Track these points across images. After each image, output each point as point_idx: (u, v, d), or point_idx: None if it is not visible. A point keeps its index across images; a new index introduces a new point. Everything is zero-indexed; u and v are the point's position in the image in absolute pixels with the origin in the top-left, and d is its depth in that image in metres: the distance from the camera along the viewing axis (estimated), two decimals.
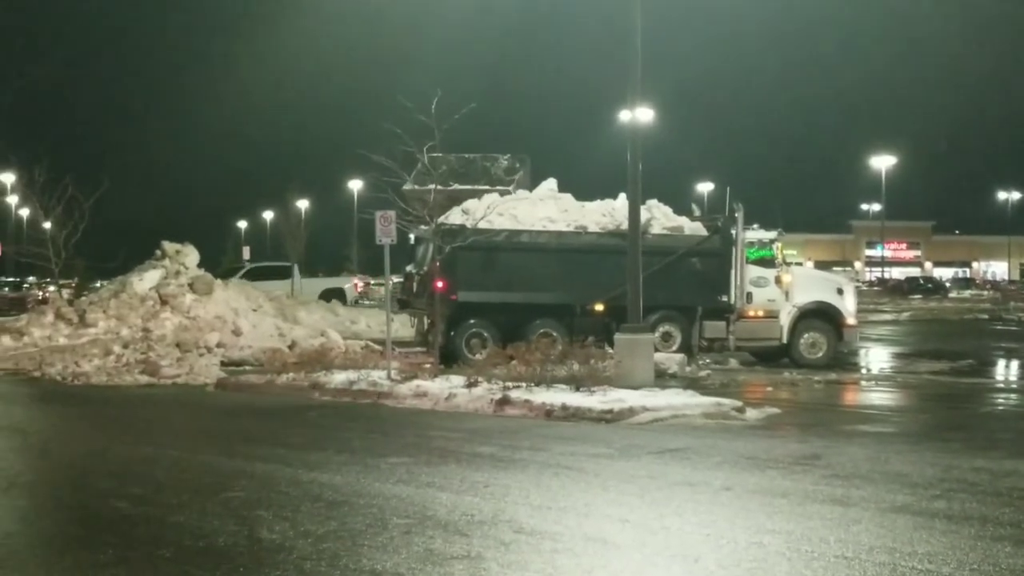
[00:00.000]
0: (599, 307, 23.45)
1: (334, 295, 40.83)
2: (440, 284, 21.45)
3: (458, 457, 11.70)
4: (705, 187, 74.50)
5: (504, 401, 15.86)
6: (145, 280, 27.42)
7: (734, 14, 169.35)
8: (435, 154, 21.59)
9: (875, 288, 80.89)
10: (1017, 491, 9.76)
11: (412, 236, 24.66)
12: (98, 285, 34.49)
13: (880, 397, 19.61)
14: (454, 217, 23.71)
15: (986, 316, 51.79)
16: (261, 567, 7.38)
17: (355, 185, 73.85)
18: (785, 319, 24.61)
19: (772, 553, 7.57)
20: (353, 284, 45.94)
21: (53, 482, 10.88)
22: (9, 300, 47.91)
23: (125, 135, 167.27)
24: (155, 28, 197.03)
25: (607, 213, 24.68)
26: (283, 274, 42.90)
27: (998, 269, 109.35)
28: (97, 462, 12.00)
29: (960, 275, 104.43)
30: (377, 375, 18.55)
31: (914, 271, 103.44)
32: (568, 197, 25.64)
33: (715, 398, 15.98)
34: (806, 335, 24.66)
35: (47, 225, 30.84)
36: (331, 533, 8.19)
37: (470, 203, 24.12)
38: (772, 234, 25.62)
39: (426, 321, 24.27)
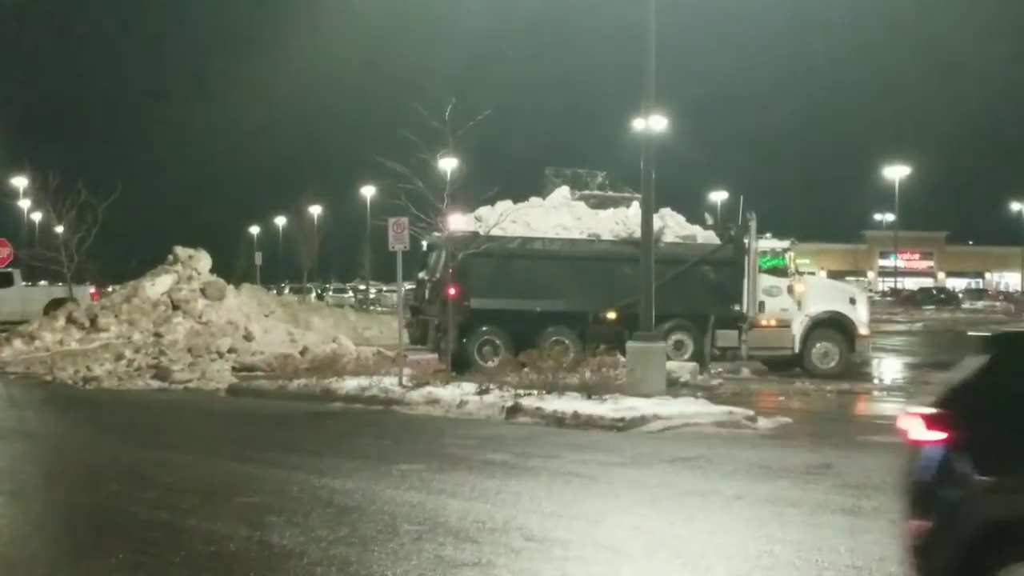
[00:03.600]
0: (612, 315, 23.43)
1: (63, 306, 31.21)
2: (453, 291, 21.46)
3: (469, 464, 11.70)
4: (719, 196, 74.30)
5: (516, 408, 15.86)
6: (157, 285, 27.53)
7: (748, 25, 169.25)
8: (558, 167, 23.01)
9: (888, 298, 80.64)
10: None
11: (425, 243, 24.68)
12: (110, 290, 34.60)
13: (892, 407, 19.52)
14: (466, 224, 23.73)
15: (999, 327, 51.60)
16: (272, 572, 7.39)
17: (368, 191, 73.95)
18: (797, 328, 24.55)
19: (783, 563, 7.56)
20: (90, 292, 35.54)
21: (65, 486, 10.91)
22: None
23: (138, 140, 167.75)
24: (169, 34, 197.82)
25: (620, 221, 24.69)
26: (1, 282, 35.15)
27: (1011, 280, 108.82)
28: (109, 466, 12.03)
29: (973, 286, 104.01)
30: (389, 381, 18.56)
31: (927, 281, 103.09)
32: (581, 205, 25.66)
33: (727, 407, 15.95)
34: (818, 345, 24.60)
35: (60, 229, 30.99)
36: (342, 539, 8.20)
37: (483, 210, 24.14)
38: (785, 243, 25.59)
39: (437, 328, 24.28)
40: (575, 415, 15.15)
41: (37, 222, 45.42)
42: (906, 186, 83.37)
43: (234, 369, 23.50)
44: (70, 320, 26.89)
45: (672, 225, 25.08)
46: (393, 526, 8.61)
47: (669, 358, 20.47)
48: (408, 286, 27.64)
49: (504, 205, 24.30)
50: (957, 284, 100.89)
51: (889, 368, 27.92)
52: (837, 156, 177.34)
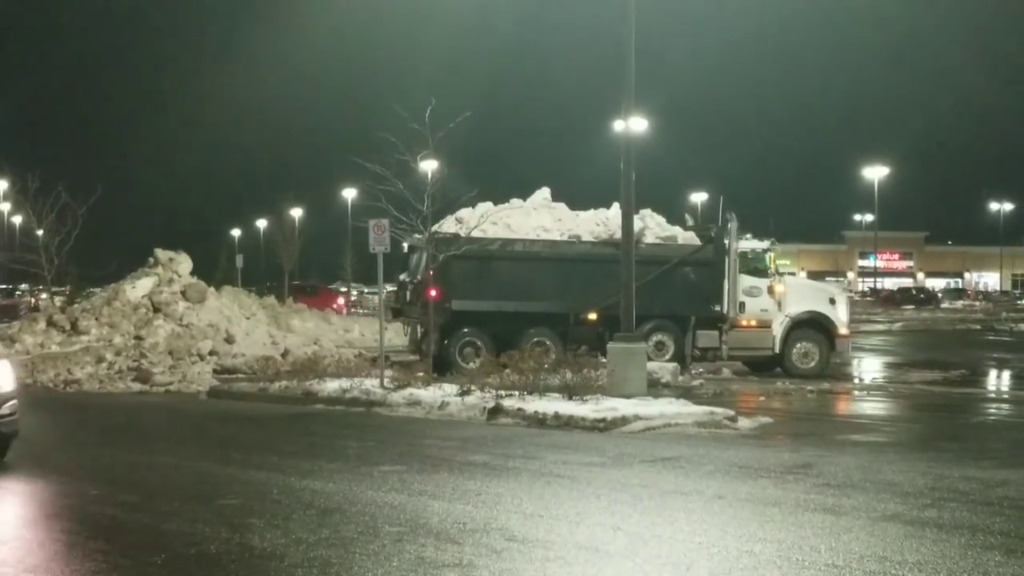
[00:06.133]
0: (593, 316, 23.48)
1: None
2: (434, 292, 21.46)
3: (451, 465, 11.71)
4: (699, 197, 74.53)
5: (497, 409, 15.87)
6: (138, 287, 27.40)
7: (727, 26, 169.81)
8: None
9: (868, 298, 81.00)
10: (1008, 501, 9.79)
11: (406, 245, 24.68)
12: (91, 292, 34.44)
13: (872, 407, 19.64)
14: (447, 226, 23.74)
15: (978, 327, 51.92)
16: (253, 574, 7.38)
17: (349, 194, 73.83)
18: (778, 329, 24.65)
19: (763, 562, 7.59)
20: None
21: (45, 489, 10.86)
22: (1, 307, 47.85)
23: (118, 143, 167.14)
24: (149, 36, 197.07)
25: (601, 222, 24.73)
26: None
27: (990, 280, 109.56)
28: (89, 469, 11.98)
29: (952, 286, 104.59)
30: (370, 383, 18.55)
31: (906, 281, 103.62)
32: (562, 206, 25.70)
33: (708, 407, 16.01)
34: (799, 345, 24.70)
35: (40, 232, 30.83)
36: (323, 541, 8.20)
37: (464, 212, 24.16)
38: (765, 244, 25.69)
39: (419, 330, 24.29)
40: (556, 416, 15.17)
41: (17, 225, 45.24)
42: (885, 186, 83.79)
43: (215, 372, 23.43)
44: (51, 323, 26.76)
45: (652, 226, 25.14)
46: (374, 527, 8.61)
47: (650, 359, 20.52)
48: (389, 288, 27.63)
49: (485, 206, 24.33)
50: (936, 284, 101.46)
51: (869, 368, 28.05)
52: (817, 157, 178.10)
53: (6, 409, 11.61)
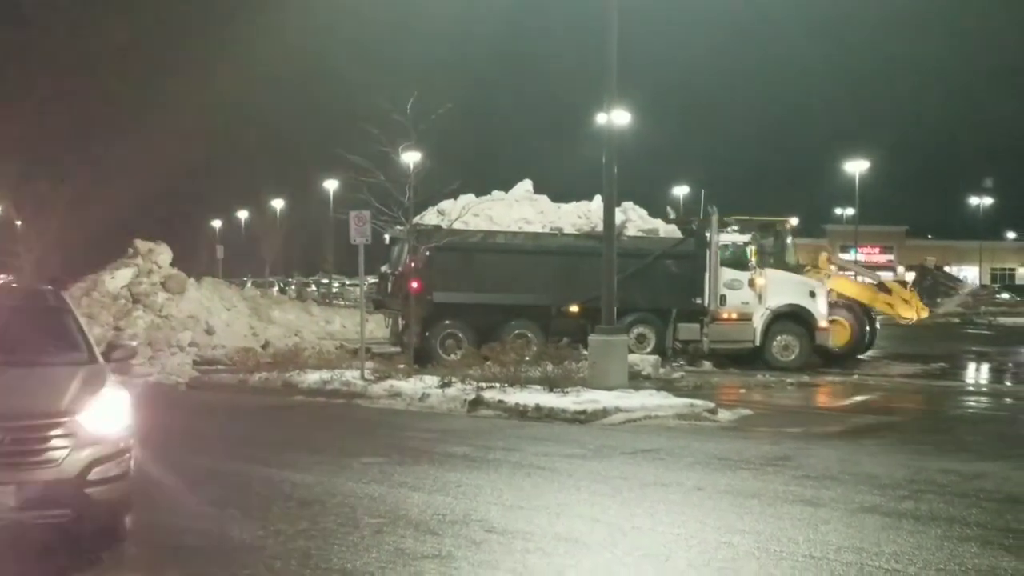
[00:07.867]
0: (574, 309, 23.48)
1: None
2: (415, 284, 21.42)
3: (431, 457, 11.71)
4: (680, 190, 74.54)
5: (478, 401, 15.87)
6: (117, 278, 27.27)
7: (712, 21, 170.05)
8: None
9: None
10: (984, 493, 9.85)
11: (387, 236, 24.62)
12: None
13: (852, 399, 19.70)
14: (429, 218, 23.70)
15: (957, 320, 52.17)
16: (232, 566, 7.36)
17: (331, 185, 73.66)
18: (758, 322, 24.72)
19: (742, 553, 7.62)
20: None
21: None
22: None
23: (98, 133, 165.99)
24: (131, 25, 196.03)
25: (583, 215, 24.74)
26: None
27: (970, 273, 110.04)
28: None
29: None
30: (351, 375, 18.53)
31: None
32: (544, 198, 25.69)
33: (688, 399, 16.05)
34: (779, 338, 24.79)
35: (19, 223, 30.70)
36: (302, 532, 8.18)
37: (445, 204, 24.12)
38: (746, 237, 25.73)
39: (400, 322, 24.24)
40: (537, 408, 15.19)
41: None
42: (866, 180, 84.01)
43: (195, 363, 23.32)
44: None
45: (634, 219, 25.18)
46: (354, 519, 8.61)
47: (631, 351, 20.56)
48: (371, 280, 27.59)
49: (467, 198, 24.30)
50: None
51: (849, 360, 28.12)
52: (798, 151, 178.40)
53: (101, 471, 7.21)
